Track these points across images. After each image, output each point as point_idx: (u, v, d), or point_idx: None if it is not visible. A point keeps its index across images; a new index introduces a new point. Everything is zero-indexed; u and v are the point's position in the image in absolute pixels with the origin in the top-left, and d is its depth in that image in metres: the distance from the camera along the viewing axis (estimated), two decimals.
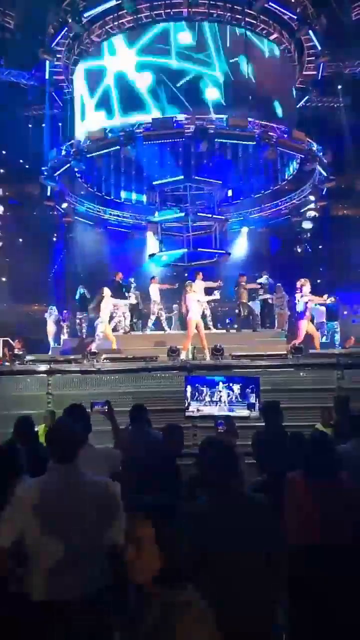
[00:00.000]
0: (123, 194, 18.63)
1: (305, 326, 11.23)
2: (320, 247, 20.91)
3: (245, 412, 7.41)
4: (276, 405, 4.99)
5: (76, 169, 16.35)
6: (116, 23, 15.82)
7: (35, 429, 5.21)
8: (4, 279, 20.77)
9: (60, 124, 18.41)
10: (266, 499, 2.70)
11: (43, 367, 9.28)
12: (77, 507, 2.55)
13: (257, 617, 2.42)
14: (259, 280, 14.61)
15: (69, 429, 2.85)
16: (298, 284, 11.48)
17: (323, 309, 14.55)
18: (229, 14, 15.53)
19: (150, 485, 4.74)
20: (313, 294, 11.69)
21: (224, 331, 14.06)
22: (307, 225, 18.39)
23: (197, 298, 11.41)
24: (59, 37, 15.91)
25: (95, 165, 16.61)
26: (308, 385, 8.56)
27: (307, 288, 11.34)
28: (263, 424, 5.15)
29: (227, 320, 15.44)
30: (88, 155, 15.30)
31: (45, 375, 8.95)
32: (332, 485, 2.99)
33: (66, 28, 15.66)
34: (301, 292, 11.31)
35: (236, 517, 2.50)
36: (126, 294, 13.82)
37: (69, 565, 2.46)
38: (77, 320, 14.33)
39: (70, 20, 15.25)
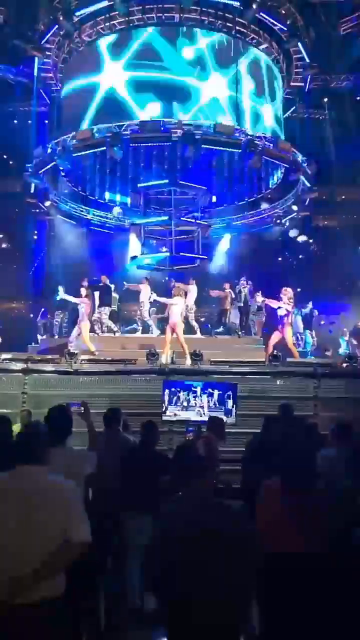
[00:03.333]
0: (107, 195, 18.56)
1: (275, 335, 11.14)
2: (300, 256, 21.14)
3: (222, 418, 7.42)
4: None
5: (61, 168, 16.25)
6: (107, 24, 15.81)
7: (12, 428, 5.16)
8: None
9: (46, 121, 18.29)
10: (238, 505, 2.71)
11: (19, 366, 9.16)
12: (29, 510, 2.49)
13: (224, 625, 2.42)
14: (238, 288, 14.68)
15: (33, 430, 2.81)
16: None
17: (300, 318, 14.75)
18: (220, 22, 15.64)
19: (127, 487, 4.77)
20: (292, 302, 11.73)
21: (204, 337, 14.07)
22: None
23: (176, 302, 11.38)
24: (49, 34, 15.82)
25: (81, 165, 16.51)
26: (285, 393, 8.62)
27: (285, 297, 11.32)
28: (240, 430, 5.20)
29: (207, 326, 15.46)
30: (74, 155, 15.20)
31: (21, 374, 8.84)
32: (306, 495, 3.00)
33: (57, 26, 15.59)
34: (280, 300, 11.29)
35: (201, 522, 2.49)
36: (112, 296, 13.80)
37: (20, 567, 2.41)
38: (56, 320, 14.22)
39: (61, 18, 15.17)
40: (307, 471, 3.05)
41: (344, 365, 10.00)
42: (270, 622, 2.90)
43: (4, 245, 20.07)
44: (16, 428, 6.78)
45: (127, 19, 15.52)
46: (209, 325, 14.89)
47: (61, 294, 12.02)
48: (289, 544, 2.87)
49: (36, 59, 16.47)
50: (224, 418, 7.48)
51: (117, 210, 17.96)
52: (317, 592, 2.75)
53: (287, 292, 11.22)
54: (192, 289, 13.46)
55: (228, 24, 15.69)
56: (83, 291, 12.04)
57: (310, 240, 18.68)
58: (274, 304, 11.15)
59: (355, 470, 3.57)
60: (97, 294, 13.27)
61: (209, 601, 2.42)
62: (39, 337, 14.49)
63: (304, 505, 2.94)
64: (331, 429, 4.44)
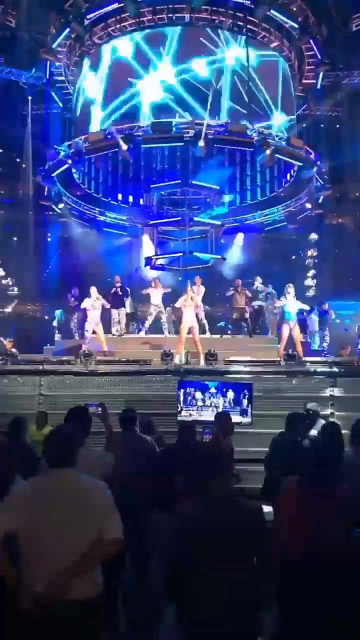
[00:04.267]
0: (120, 196, 18.61)
1: (284, 331, 11.23)
2: (314, 254, 21.02)
3: (238, 418, 7.41)
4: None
5: (74, 170, 16.34)
6: (118, 26, 15.86)
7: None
8: None
9: (59, 124, 18.40)
10: (255, 505, 2.72)
11: (35, 368, 9.23)
12: (69, 511, 2.55)
13: (241, 620, 2.47)
14: (253, 287, 14.65)
15: (65, 433, 2.86)
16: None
17: (315, 317, 14.67)
18: (230, 21, 15.60)
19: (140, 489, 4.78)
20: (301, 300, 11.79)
21: (218, 336, 14.06)
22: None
23: (189, 303, 11.41)
24: (61, 37, 15.91)
25: (93, 167, 16.58)
26: (301, 392, 8.57)
27: (290, 294, 11.41)
28: (256, 430, 5.18)
29: (220, 325, 15.45)
30: (86, 157, 15.28)
31: (37, 376, 8.90)
32: (327, 495, 2.97)
33: (68, 29, 15.67)
34: (285, 297, 11.41)
35: (218, 521, 2.55)
36: (125, 299, 13.87)
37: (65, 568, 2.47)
38: (73, 322, 14.30)
39: (72, 21, 15.25)
40: (328, 470, 3.03)
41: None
42: (287, 621, 2.89)
43: (18, 248, 20.21)
44: (32, 429, 6.85)
45: (137, 20, 15.55)
46: (226, 324, 14.81)
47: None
48: (306, 546, 2.85)
49: (48, 62, 16.57)
50: (240, 418, 7.48)
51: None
52: (331, 591, 2.74)
53: (292, 289, 11.30)
54: (201, 288, 13.45)
55: (239, 23, 15.64)
56: (93, 293, 12.10)
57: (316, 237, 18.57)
58: (291, 307, 11.21)
59: None
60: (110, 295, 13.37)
61: (225, 600, 2.46)
62: (58, 337, 14.60)
63: (327, 503, 2.93)
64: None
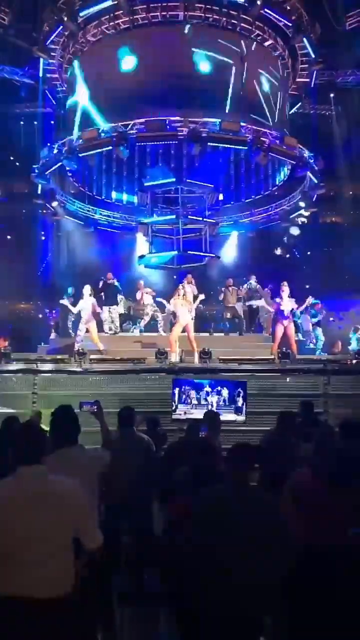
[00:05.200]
0: (114, 195, 18.58)
1: (278, 330, 11.32)
2: (309, 253, 21.07)
3: (232, 416, 7.44)
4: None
5: (68, 168, 16.29)
6: (112, 23, 15.80)
7: None
8: None
9: (52, 122, 18.33)
10: (270, 496, 2.80)
11: (29, 367, 9.21)
12: (38, 511, 2.46)
13: (252, 603, 2.60)
14: (245, 285, 14.69)
15: (34, 430, 2.76)
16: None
17: (308, 316, 14.75)
18: (224, 19, 15.58)
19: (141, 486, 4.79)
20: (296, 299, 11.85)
21: (212, 335, 14.10)
22: (294, 231, 18.57)
23: (181, 302, 11.42)
24: (54, 35, 15.84)
25: (87, 165, 16.53)
26: (295, 390, 8.60)
27: (284, 292, 11.53)
28: (251, 428, 5.20)
29: (219, 325, 15.51)
30: (80, 155, 15.23)
31: (31, 374, 8.88)
32: (346, 490, 3.01)
33: (61, 26, 15.60)
34: (280, 296, 11.49)
35: (232, 512, 2.70)
36: (118, 297, 13.89)
37: (31, 566, 2.41)
38: (70, 320, 14.30)
39: (65, 19, 15.18)
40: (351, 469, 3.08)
41: (354, 361, 9.98)
42: (296, 610, 2.92)
43: (12, 246, 20.13)
44: None
45: (131, 18, 15.51)
46: (223, 324, 14.84)
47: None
48: (324, 537, 2.88)
49: (41, 60, 16.49)
50: (235, 416, 7.51)
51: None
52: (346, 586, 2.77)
53: (286, 288, 11.36)
54: (192, 287, 13.48)
55: (233, 21, 15.62)
56: (87, 291, 12.10)
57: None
58: (286, 305, 11.26)
59: None
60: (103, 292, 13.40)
61: (236, 588, 2.53)
62: (53, 334, 14.58)
63: (341, 500, 2.96)
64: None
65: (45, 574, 2.42)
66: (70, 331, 14.08)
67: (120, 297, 14.32)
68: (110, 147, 14.81)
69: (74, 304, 12.63)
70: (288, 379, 8.96)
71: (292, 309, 11.54)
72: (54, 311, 15.33)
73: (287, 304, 11.39)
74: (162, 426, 6.65)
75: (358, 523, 2.93)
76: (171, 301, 11.80)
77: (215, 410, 6.43)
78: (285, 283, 11.80)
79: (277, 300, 11.56)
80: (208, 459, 3.12)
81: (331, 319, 17.15)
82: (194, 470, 3.71)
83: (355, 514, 2.94)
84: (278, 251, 20.43)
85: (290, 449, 4.46)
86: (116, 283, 14.19)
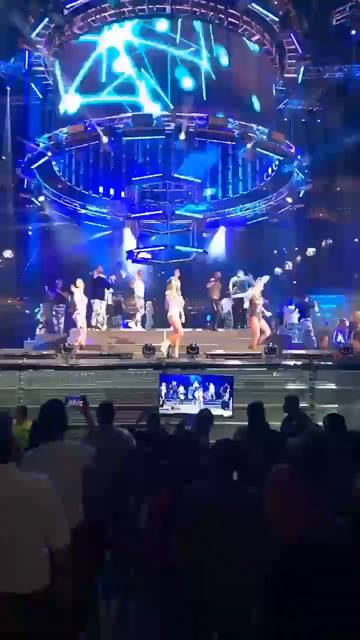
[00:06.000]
0: (101, 189, 18.48)
1: (255, 323, 11.41)
2: (296, 248, 21.14)
3: (219, 411, 7.45)
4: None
5: (54, 162, 16.17)
6: (98, 16, 15.68)
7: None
8: None
9: (39, 116, 18.16)
10: (254, 489, 2.82)
11: (15, 362, 9.15)
12: (4, 511, 2.42)
13: (237, 596, 2.66)
14: (233, 279, 14.72)
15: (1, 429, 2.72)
16: None
17: (294, 310, 14.86)
18: (212, 13, 15.54)
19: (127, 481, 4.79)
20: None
21: (200, 330, 14.12)
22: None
23: (174, 295, 11.44)
24: (40, 27, 15.68)
25: (74, 159, 16.42)
26: (281, 385, 8.64)
27: (261, 282, 11.73)
28: (238, 423, 5.22)
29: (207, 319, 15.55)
30: (66, 149, 15.12)
31: (17, 370, 8.82)
32: (321, 484, 3.02)
33: (47, 19, 15.44)
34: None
35: (219, 504, 2.75)
36: (105, 291, 13.86)
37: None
38: (54, 313, 14.24)
39: (51, 11, 15.03)
40: (322, 460, 3.10)
41: (340, 356, 10.05)
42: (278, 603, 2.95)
43: None
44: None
45: (118, 10, 15.40)
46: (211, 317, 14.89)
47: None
48: (300, 534, 2.89)
49: (27, 52, 16.32)
50: (222, 411, 7.52)
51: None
52: (317, 575, 2.79)
53: (261, 284, 11.65)
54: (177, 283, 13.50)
55: (220, 15, 15.58)
56: (79, 284, 12.12)
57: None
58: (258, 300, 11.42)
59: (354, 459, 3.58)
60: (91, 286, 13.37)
61: (220, 578, 2.58)
62: (39, 331, 14.51)
63: (318, 495, 2.98)
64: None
65: (16, 571, 2.40)
66: (56, 327, 14.03)
67: (108, 291, 14.25)
68: (97, 142, 14.72)
69: (62, 297, 12.65)
70: (275, 374, 8.99)
71: (264, 304, 11.75)
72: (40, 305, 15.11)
73: (259, 299, 11.52)
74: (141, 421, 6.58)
75: (334, 515, 2.94)
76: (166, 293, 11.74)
77: (208, 411, 6.43)
78: (260, 278, 11.98)
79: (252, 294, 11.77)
80: (189, 454, 3.12)
81: (318, 314, 17.23)
82: (174, 464, 3.71)
83: (331, 506, 2.97)
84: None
85: (264, 441, 4.47)
86: (103, 276, 14.16)
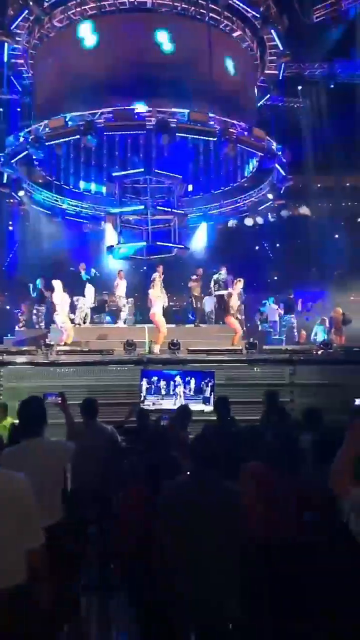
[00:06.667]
0: (82, 184, 18.35)
1: (232, 321, 11.55)
2: (277, 245, 21.28)
3: (200, 406, 7.49)
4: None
5: (34, 157, 16.00)
6: (79, 9, 15.52)
7: None
8: None
9: (18, 110, 17.94)
10: (234, 486, 2.85)
11: None
12: None
13: (218, 591, 2.68)
14: (215, 277, 14.74)
15: None
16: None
17: (275, 306, 14.98)
18: (193, 8, 15.49)
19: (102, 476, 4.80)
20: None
21: (180, 326, 14.15)
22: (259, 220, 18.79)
23: (158, 294, 11.47)
24: (19, 19, 15.46)
25: (54, 154, 16.27)
26: (262, 380, 8.72)
27: (238, 286, 12.02)
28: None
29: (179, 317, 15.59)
30: (47, 144, 14.96)
31: None
32: (292, 479, 3.06)
33: (27, 11, 15.24)
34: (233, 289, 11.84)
35: (210, 498, 2.77)
36: (86, 288, 13.79)
37: None
38: (34, 312, 14.11)
39: (31, 3, 14.83)
40: (294, 455, 3.13)
41: (319, 352, 10.17)
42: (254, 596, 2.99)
43: None
44: None
45: (98, 4, 15.26)
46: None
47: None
48: (275, 530, 2.93)
49: (6, 45, 16.10)
50: (203, 406, 7.56)
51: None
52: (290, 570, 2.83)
53: (240, 284, 12.25)
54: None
55: (201, 11, 15.54)
56: (57, 285, 12.02)
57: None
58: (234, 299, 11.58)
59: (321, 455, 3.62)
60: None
61: (198, 574, 2.58)
62: (19, 327, 14.39)
63: (289, 489, 3.02)
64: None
65: None
66: (37, 326, 13.91)
67: (89, 288, 14.15)
68: (78, 136, 14.60)
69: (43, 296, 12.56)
70: (255, 369, 9.07)
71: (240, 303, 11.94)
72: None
73: (235, 298, 11.77)
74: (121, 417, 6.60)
75: (306, 509, 2.99)
76: (150, 291, 11.76)
77: (187, 405, 6.46)
78: (241, 280, 12.30)
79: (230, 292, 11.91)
80: (163, 450, 3.13)
81: (299, 309, 17.39)
82: (149, 459, 3.73)
83: (303, 500, 3.01)
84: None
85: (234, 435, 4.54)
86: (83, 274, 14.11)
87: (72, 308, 13.16)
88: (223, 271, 14.73)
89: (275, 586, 2.80)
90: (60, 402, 4.01)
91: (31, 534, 2.50)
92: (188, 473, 3.05)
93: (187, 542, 2.73)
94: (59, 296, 11.92)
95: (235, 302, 11.71)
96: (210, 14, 15.52)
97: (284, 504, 2.97)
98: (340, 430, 4.23)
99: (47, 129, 14.91)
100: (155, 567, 2.94)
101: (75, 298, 13.34)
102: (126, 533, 3.49)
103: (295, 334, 14.43)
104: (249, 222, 18.96)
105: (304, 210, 19.01)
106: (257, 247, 21.74)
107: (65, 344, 11.21)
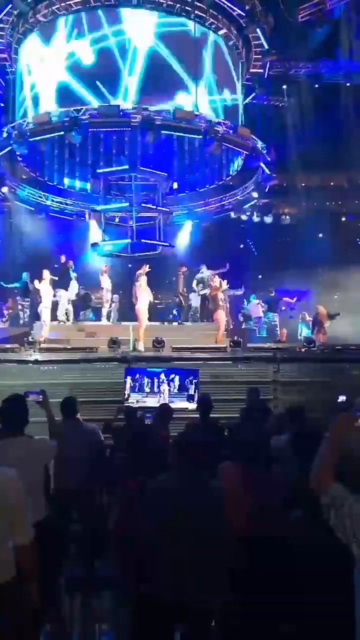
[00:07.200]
0: (66, 181, 18.21)
1: (220, 316, 11.66)
2: (262, 243, 21.34)
3: (184, 404, 7.50)
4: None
5: (18, 152, 15.84)
6: (63, 4, 15.38)
7: None
8: None
9: (2, 105, 17.73)
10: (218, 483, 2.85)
11: None
12: None
13: (200, 587, 2.69)
14: (198, 275, 14.77)
15: None
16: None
17: (258, 304, 15.06)
18: (178, 5, 15.45)
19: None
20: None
21: (166, 323, 14.16)
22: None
23: (143, 289, 11.46)
24: (2, 14, 15.26)
25: (38, 150, 16.12)
26: (246, 378, 8.75)
27: (215, 283, 12.05)
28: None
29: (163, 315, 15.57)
30: (31, 139, 14.82)
31: None
32: (266, 476, 3.08)
33: (10, 5, 15.06)
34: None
35: (193, 496, 2.79)
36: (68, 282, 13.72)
37: None
38: (19, 307, 14.01)
39: None
40: (266, 452, 3.15)
41: (303, 349, 10.24)
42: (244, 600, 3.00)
43: None
44: None
45: None
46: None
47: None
48: (253, 527, 2.94)
49: None
50: (187, 404, 7.58)
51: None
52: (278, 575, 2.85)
53: (214, 278, 12.41)
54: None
55: (187, 8, 15.50)
56: (46, 275, 12.00)
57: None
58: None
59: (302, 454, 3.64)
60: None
61: (185, 573, 2.64)
62: (3, 323, 14.29)
63: (264, 486, 3.03)
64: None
65: None
66: (22, 321, 13.82)
67: (73, 284, 14.06)
68: (62, 133, 14.49)
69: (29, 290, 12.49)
70: (239, 367, 9.10)
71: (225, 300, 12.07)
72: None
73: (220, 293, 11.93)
74: (107, 415, 6.59)
75: (289, 507, 3.01)
76: (135, 287, 11.74)
77: (168, 404, 6.47)
78: (225, 280, 12.39)
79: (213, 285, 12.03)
80: (147, 446, 3.16)
81: (283, 307, 17.50)
82: (135, 456, 3.74)
83: (281, 498, 3.03)
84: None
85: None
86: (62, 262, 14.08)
87: (54, 304, 13.08)
88: (204, 269, 14.76)
89: (256, 583, 2.81)
90: (41, 399, 3.97)
91: (21, 530, 2.49)
92: (171, 471, 3.05)
93: (172, 542, 2.74)
94: (46, 286, 11.88)
95: (221, 297, 11.73)
96: (196, 12, 15.50)
97: (260, 502, 2.98)
98: (323, 427, 4.29)
99: (31, 125, 14.78)
100: (140, 565, 2.95)
101: (56, 290, 13.20)
102: (125, 527, 3.49)
103: (278, 332, 14.51)
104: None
105: (286, 220, 19.29)
106: (241, 246, 21.80)
107: (44, 340, 11.19)
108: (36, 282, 12.25)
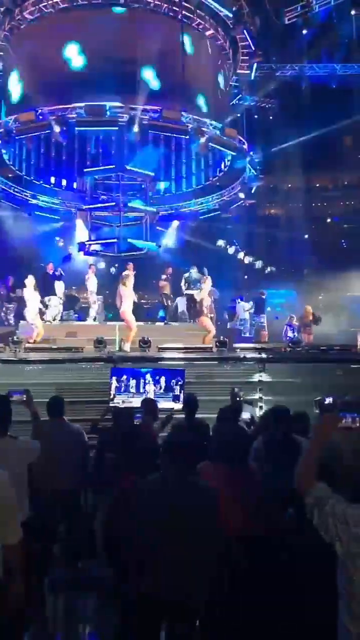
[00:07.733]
0: (53, 180, 18.10)
1: (205, 321, 11.61)
2: (248, 244, 21.42)
3: (170, 404, 7.48)
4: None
5: (4, 151, 15.72)
6: (51, 2, 15.31)
7: None
8: None
9: None
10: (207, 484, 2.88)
11: None
12: None
13: (187, 587, 2.70)
14: (185, 275, 14.77)
15: None
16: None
17: (245, 305, 15.10)
18: (165, 6, 15.46)
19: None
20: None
21: (151, 324, 14.13)
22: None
23: (129, 291, 11.41)
24: None
25: (25, 148, 16.01)
26: (231, 378, 8.74)
27: (205, 285, 11.87)
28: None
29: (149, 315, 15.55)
30: (17, 138, 14.72)
31: None
32: (243, 473, 3.09)
33: None
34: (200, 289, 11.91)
35: (172, 499, 2.78)
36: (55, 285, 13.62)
37: None
38: (4, 309, 13.89)
39: None
40: (242, 449, 3.17)
41: (288, 350, 10.28)
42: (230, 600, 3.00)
43: None
44: None
45: None
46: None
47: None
48: (237, 525, 2.95)
49: None
50: (173, 404, 7.56)
51: None
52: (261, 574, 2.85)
53: (206, 280, 12.06)
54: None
55: (174, 8, 15.52)
56: (30, 282, 11.86)
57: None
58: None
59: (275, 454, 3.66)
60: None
61: (173, 574, 2.64)
62: None
63: (242, 483, 3.04)
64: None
65: None
66: (6, 323, 13.70)
67: (59, 284, 13.98)
68: (49, 131, 14.41)
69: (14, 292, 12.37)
70: (226, 367, 9.10)
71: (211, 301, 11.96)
72: (7, 278, 14.67)
73: (206, 296, 11.75)
74: (92, 415, 6.56)
75: (275, 506, 3.02)
76: (120, 288, 11.69)
77: (152, 398, 6.46)
78: (209, 277, 12.27)
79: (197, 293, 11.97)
80: (137, 446, 3.16)
81: (269, 308, 17.60)
82: (125, 456, 3.73)
83: (254, 497, 3.04)
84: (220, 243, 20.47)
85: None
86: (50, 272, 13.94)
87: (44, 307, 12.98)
88: (194, 270, 14.76)
89: (241, 581, 2.82)
90: (25, 399, 3.94)
91: (10, 530, 2.47)
92: (160, 472, 3.04)
93: (160, 542, 2.74)
94: (30, 293, 11.75)
95: (206, 301, 11.71)
96: (183, 12, 15.52)
97: (241, 501, 2.99)
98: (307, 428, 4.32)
99: (17, 123, 14.68)
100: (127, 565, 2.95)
101: (47, 298, 13.12)
102: (115, 526, 3.48)
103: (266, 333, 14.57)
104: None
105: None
106: (229, 247, 21.83)
107: (35, 342, 11.06)
108: (24, 289, 12.04)
